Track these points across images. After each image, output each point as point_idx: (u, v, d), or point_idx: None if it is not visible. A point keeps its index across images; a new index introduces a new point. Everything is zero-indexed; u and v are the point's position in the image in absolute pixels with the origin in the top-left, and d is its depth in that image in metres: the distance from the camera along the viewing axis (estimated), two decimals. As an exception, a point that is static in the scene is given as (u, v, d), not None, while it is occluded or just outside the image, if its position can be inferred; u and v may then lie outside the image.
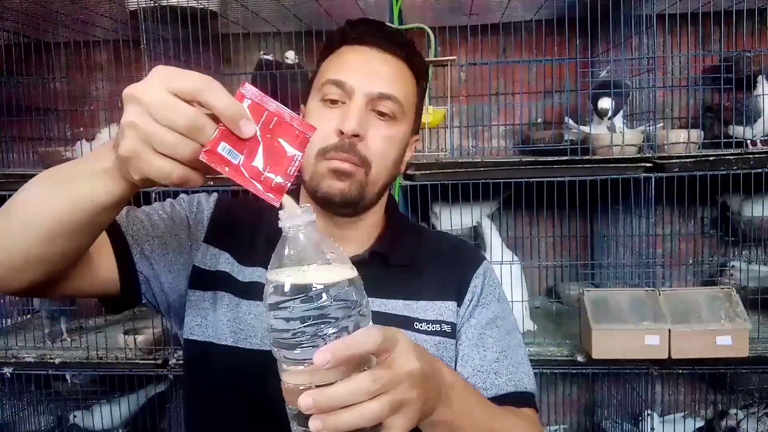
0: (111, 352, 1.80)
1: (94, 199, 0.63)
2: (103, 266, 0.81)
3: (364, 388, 0.51)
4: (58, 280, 0.73)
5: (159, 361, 1.79)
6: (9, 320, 2.06)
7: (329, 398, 0.50)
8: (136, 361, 1.79)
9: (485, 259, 0.98)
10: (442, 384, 0.63)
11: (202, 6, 1.82)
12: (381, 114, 0.85)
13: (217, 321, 0.86)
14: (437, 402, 0.62)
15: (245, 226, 0.91)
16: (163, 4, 1.77)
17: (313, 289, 0.52)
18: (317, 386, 0.51)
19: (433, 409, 0.61)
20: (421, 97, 0.94)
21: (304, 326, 0.51)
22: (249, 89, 0.57)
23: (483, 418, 0.71)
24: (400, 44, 0.89)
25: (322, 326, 0.51)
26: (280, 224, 0.55)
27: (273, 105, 0.57)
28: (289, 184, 0.57)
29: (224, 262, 0.89)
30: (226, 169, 0.55)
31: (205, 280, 0.88)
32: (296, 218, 0.54)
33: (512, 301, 1.76)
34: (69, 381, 2.01)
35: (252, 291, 0.86)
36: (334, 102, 0.85)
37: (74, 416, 2.06)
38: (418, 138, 0.98)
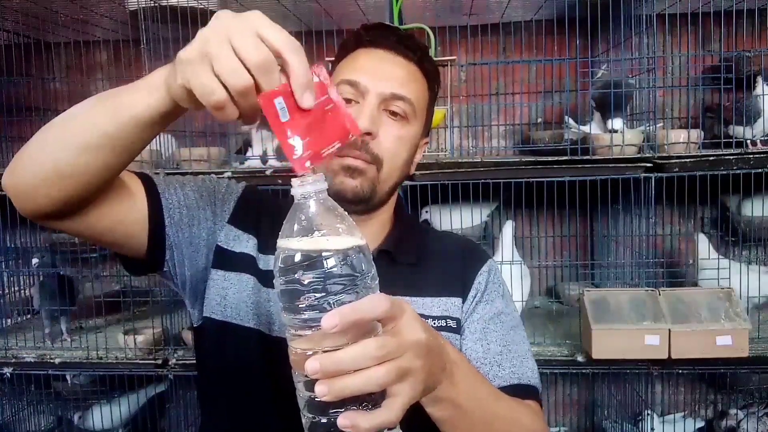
0: (111, 352, 1.80)
1: (132, 110, 0.64)
2: (134, 215, 0.81)
3: (370, 353, 0.52)
4: (85, 208, 0.73)
5: (159, 361, 1.79)
6: (9, 320, 2.06)
7: (336, 362, 0.51)
8: (136, 361, 1.79)
9: (490, 257, 0.99)
10: (446, 360, 0.63)
11: (202, 6, 1.82)
12: (393, 114, 0.88)
13: (239, 302, 0.88)
14: (441, 376, 0.62)
15: (268, 215, 0.92)
16: (163, 4, 1.77)
17: (322, 255, 0.53)
18: (324, 352, 0.52)
19: (437, 384, 0.62)
20: (432, 100, 0.97)
21: (312, 292, 0.52)
22: (322, 71, 0.60)
23: (487, 399, 0.71)
24: (414, 48, 0.92)
25: (329, 292, 0.52)
26: (292, 191, 0.56)
27: (335, 94, 0.60)
28: (315, 165, 0.59)
29: (248, 245, 0.91)
30: (273, 119, 0.57)
31: (229, 261, 0.90)
32: (307, 186, 0.55)
33: (522, 301, 1.78)
34: (69, 381, 2.01)
35: (271, 279, 0.86)
36: (348, 101, 0.86)
37: (78, 417, 2.06)
38: (427, 140, 1.01)
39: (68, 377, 1.99)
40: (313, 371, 0.51)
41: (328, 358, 0.51)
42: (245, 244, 0.91)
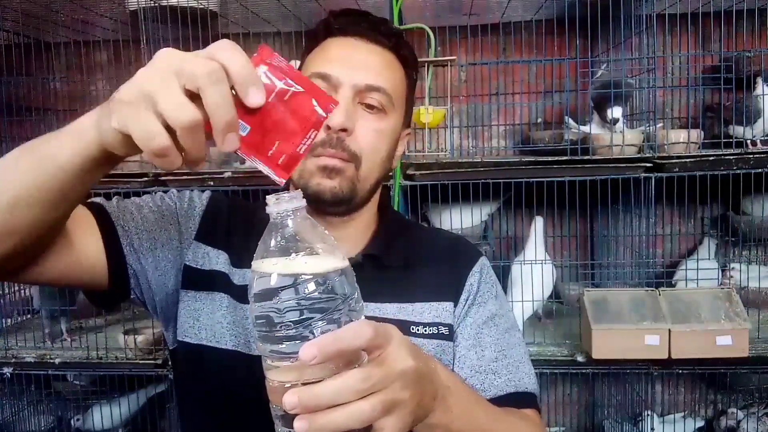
0: (111, 352, 1.80)
1: (58, 159, 0.57)
2: (89, 252, 0.76)
3: (353, 386, 0.48)
4: (34, 261, 0.69)
5: (159, 361, 1.79)
6: (9, 320, 2.06)
7: (316, 397, 0.47)
8: (136, 361, 1.79)
9: (482, 254, 0.95)
10: (438, 385, 0.59)
11: (202, 6, 1.82)
12: (369, 107, 0.82)
13: (214, 323, 0.83)
14: (433, 404, 0.58)
15: (239, 226, 0.88)
16: (163, 4, 1.77)
17: (300, 279, 0.48)
18: (303, 384, 0.48)
19: (429, 412, 0.58)
20: (411, 88, 0.91)
21: (290, 319, 0.48)
22: (266, 52, 0.52)
23: (483, 420, 0.68)
24: (387, 34, 0.85)
25: (309, 319, 0.48)
26: (267, 210, 0.51)
27: (292, 73, 0.52)
28: (298, 163, 0.54)
29: (219, 261, 0.86)
30: None
31: (199, 280, 0.85)
32: (283, 203, 0.51)
33: (543, 301, 1.81)
34: (70, 381, 2.01)
35: (244, 295, 0.82)
36: None
37: (77, 419, 2.06)
38: (409, 132, 0.94)
39: (70, 377, 1.98)
40: (291, 406, 0.47)
41: (308, 391, 0.47)
42: (216, 260, 0.86)
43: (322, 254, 0.51)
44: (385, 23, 0.87)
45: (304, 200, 0.52)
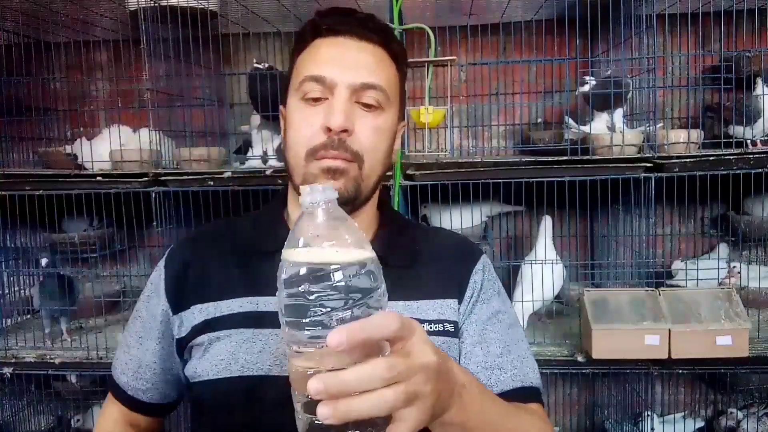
0: (111, 352, 1.79)
1: None
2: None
3: (378, 374, 0.48)
4: None
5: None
6: (9, 320, 2.06)
7: (341, 383, 0.47)
8: (136, 361, 1.79)
9: (483, 253, 0.96)
10: (454, 383, 0.59)
11: (202, 6, 1.82)
12: (366, 105, 0.82)
13: (207, 362, 0.85)
14: (450, 402, 0.58)
15: (198, 268, 0.90)
16: (163, 4, 1.77)
17: (330, 267, 0.50)
18: (327, 371, 0.49)
19: (445, 410, 0.58)
20: (403, 81, 0.92)
21: (318, 306, 0.49)
22: None
23: (495, 417, 0.68)
24: (376, 30, 0.86)
25: (336, 308, 0.49)
26: (301, 200, 0.54)
27: None
28: None
29: (195, 315, 0.87)
30: None
31: (187, 344, 0.88)
32: (317, 194, 0.53)
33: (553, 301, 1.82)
34: (74, 381, 2.00)
35: (225, 321, 0.85)
36: (316, 100, 0.82)
37: (77, 420, 2.06)
38: (404, 123, 0.95)
39: (73, 377, 1.98)
40: (316, 391, 0.47)
41: (333, 377, 0.48)
42: (193, 317, 0.87)
43: (352, 245, 0.52)
44: (372, 19, 0.88)
45: (336, 192, 0.54)
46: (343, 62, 0.82)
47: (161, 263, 0.94)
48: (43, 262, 1.82)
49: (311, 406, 0.49)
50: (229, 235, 0.94)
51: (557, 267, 1.83)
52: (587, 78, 1.83)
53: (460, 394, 0.60)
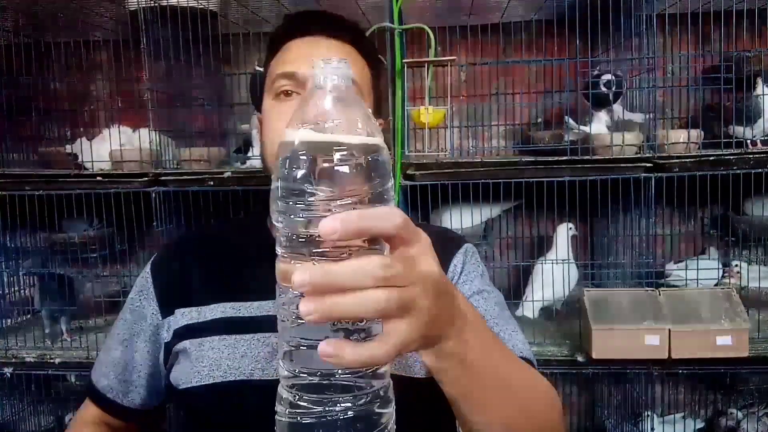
0: (111, 352, 1.79)
1: None
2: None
3: (371, 270, 0.42)
4: None
5: (159, 361, 1.78)
6: (9, 320, 2.06)
7: (328, 274, 0.42)
8: (136, 361, 1.79)
9: (467, 242, 0.96)
10: (456, 312, 0.52)
11: (202, 6, 1.82)
12: None
13: (190, 369, 0.85)
14: (448, 330, 0.51)
15: (182, 274, 0.91)
16: (163, 4, 1.77)
17: (334, 149, 0.43)
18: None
19: (441, 337, 0.51)
20: (376, 80, 0.93)
21: (316, 190, 0.43)
22: None
23: (499, 359, 0.61)
24: (346, 29, 0.89)
25: (336, 195, 0.43)
26: (313, 72, 0.47)
27: None
28: None
29: (178, 318, 0.88)
30: None
31: (172, 348, 0.89)
32: (329, 67, 0.46)
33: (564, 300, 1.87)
34: (73, 381, 2.01)
35: (207, 328, 0.86)
36: (287, 94, 0.83)
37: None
38: (382, 122, 0.95)
39: (73, 377, 1.98)
40: (300, 283, 0.41)
41: (320, 268, 0.42)
42: (177, 321, 0.88)
43: (361, 129, 0.46)
44: (341, 19, 0.90)
45: (352, 72, 0.48)
46: (313, 57, 0.83)
47: (147, 267, 0.95)
48: (26, 263, 1.84)
49: (293, 300, 0.44)
50: (213, 240, 0.95)
51: (572, 267, 1.87)
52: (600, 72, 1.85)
53: (461, 327, 0.53)
